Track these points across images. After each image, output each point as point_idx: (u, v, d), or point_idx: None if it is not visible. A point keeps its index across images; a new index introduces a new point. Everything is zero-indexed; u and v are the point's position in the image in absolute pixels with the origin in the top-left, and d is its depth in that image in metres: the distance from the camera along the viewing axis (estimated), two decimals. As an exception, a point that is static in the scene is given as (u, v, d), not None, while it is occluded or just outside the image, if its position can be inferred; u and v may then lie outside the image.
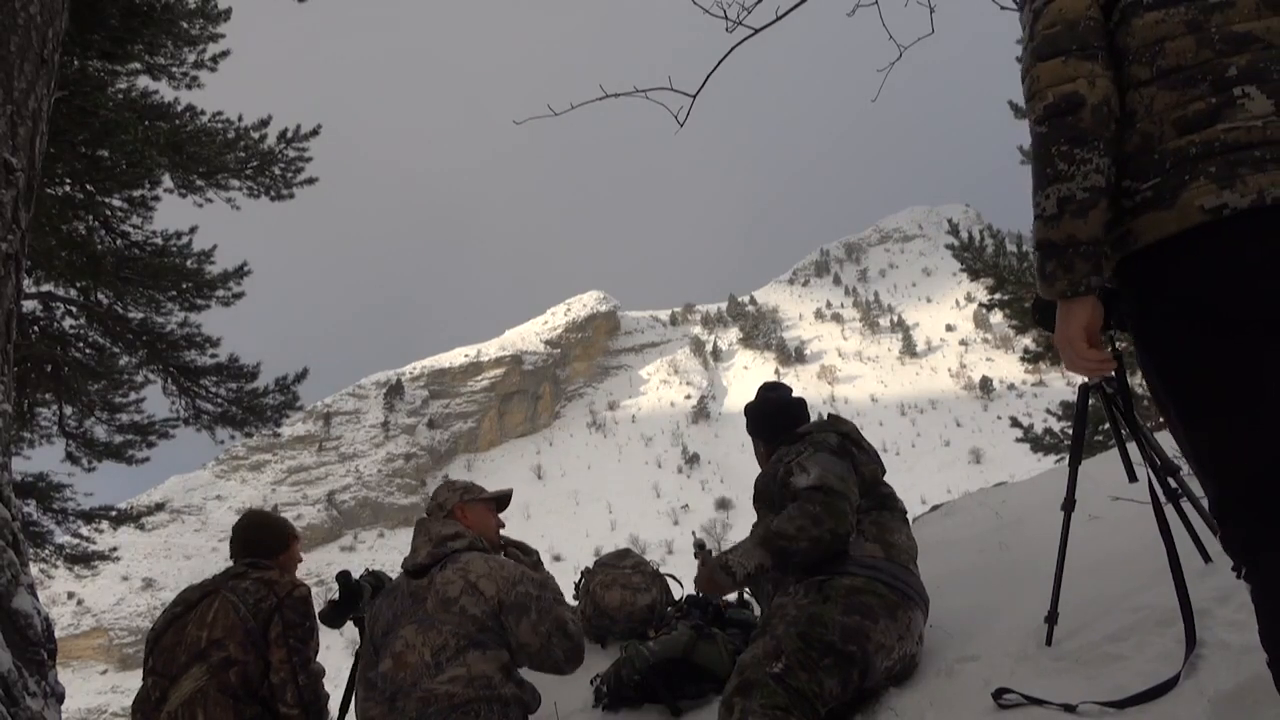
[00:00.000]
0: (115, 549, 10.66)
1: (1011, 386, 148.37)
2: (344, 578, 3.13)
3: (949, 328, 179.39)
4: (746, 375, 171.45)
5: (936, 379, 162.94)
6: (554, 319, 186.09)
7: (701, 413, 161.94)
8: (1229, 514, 1.36)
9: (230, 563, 3.00)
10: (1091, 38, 1.37)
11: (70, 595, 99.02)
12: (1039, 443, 11.59)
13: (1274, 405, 1.28)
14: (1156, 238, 1.31)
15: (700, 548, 4.21)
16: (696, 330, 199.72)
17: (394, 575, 2.92)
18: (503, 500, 2.92)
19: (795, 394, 3.12)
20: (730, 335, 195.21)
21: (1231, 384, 1.30)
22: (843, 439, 2.73)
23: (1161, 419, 1.42)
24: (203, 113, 8.25)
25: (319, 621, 3.10)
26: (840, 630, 2.26)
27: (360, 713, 2.62)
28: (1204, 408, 1.34)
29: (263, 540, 3.01)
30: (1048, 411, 12.63)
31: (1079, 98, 1.34)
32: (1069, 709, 2.08)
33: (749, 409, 3.10)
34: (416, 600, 2.48)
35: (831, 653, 2.23)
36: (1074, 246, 1.36)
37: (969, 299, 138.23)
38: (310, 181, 9.06)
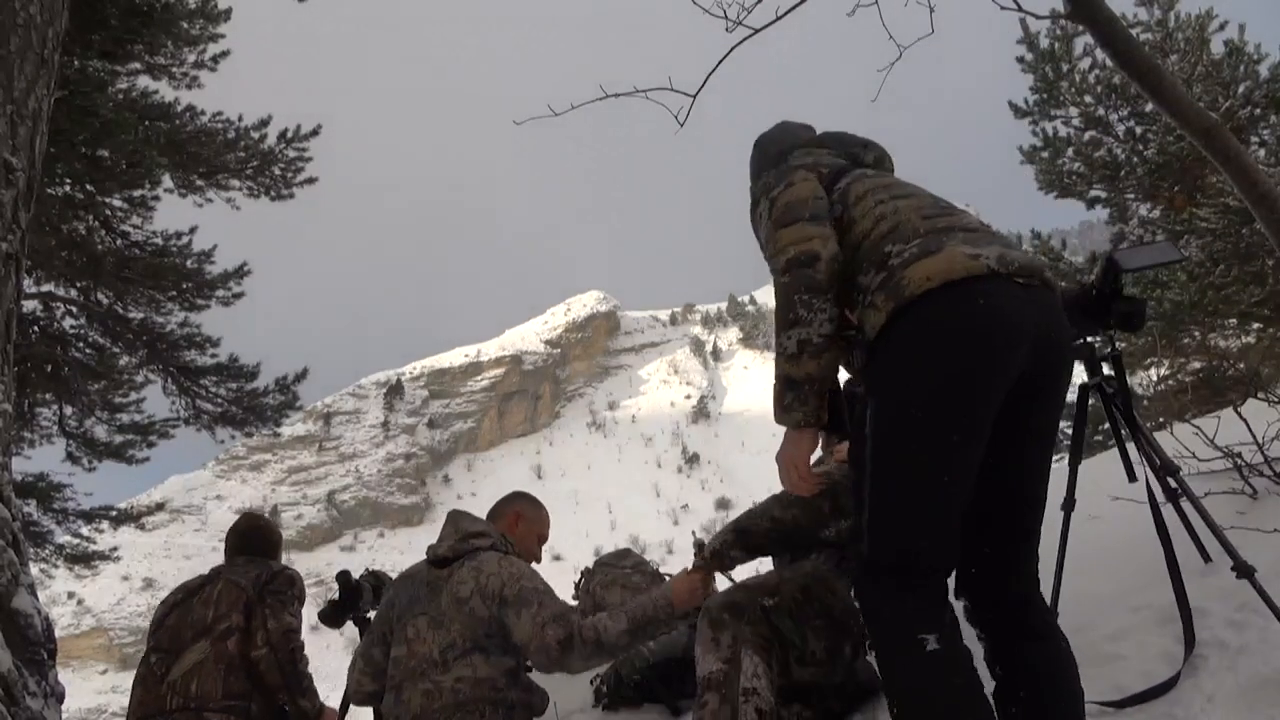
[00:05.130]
0: (115, 549, 10.65)
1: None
2: (344, 577, 3.13)
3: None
4: (746, 375, 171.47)
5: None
6: (554, 319, 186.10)
7: (701, 413, 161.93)
8: (875, 567, 1.52)
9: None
10: (821, 211, 1.68)
11: (70, 595, 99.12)
12: (1039, 443, 11.56)
13: (958, 473, 1.47)
14: (925, 286, 1.48)
15: (700, 548, 4.20)
16: (696, 330, 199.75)
17: (394, 575, 2.92)
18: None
19: None
20: (730, 335, 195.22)
21: (953, 444, 1.47)
22: None
23: (874, 479, 1.55)
24: (203, 113, 8.25)
25: (322, 621, 3.12)
26: (844, 605, 2.24)
27: (356, 685, 2.63)
28: (909, 463, 1.49)
29: (261, 543, 3.16)
30: (1047, 411, 12.61)
31: (815, 253, 1.60)
32: (1068, 708, 2.08)
33: None
34: (433, 592, 2.49)
35: (826, 616, 2.21)
36: (810, 384, 1.57)
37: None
38: (310, 181, 9.07)
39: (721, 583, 4.14)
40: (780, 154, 1.99)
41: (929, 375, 1.47)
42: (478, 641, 2.38)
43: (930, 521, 1.48)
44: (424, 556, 2.67)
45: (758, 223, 1.80)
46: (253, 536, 3.16)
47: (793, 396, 1.57)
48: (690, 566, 2.59)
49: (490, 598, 2.40)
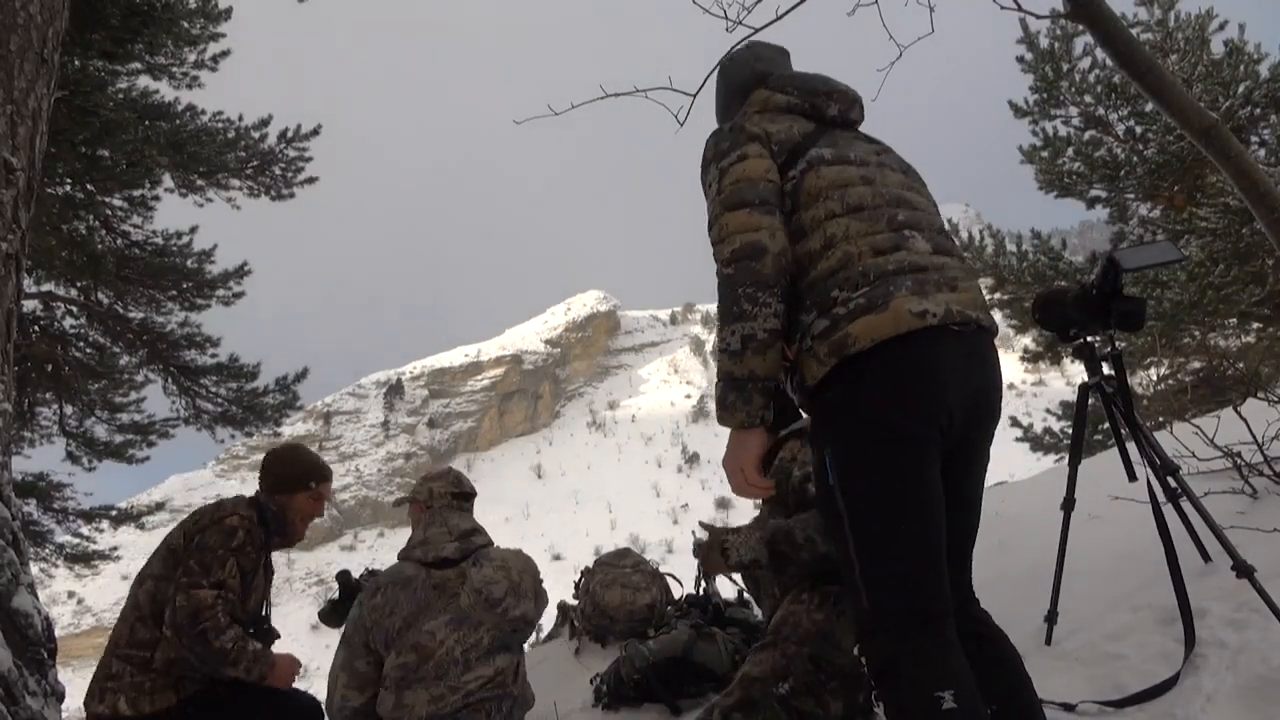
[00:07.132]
0: (115, 548, 10.66)
1: (1011, 386, 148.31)
2: (344, 577, 3.14)
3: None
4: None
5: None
6: (554, 319, 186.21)
7: (701, 412, 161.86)
8: (881, 622, 1.42)
9: None
10: (770, 196, 1.60)
11: (70, 595, 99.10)
12: (1039, 442, 11.58)
13: (932, 508, 1.43)
14: (873, 341, 1.45)
15: (700, 546, 4.19)
16: (696, 329, 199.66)
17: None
18: None
19: None
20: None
21: (917, 483, 1.43)
22: None
23: (851, 529, 1.47)
24: (203, 112, 8.26)
25: (322, 621, 3.12)
26: (854, 656, 2.25)
27: (342, 700, 2.52)
28: (886, 508, 1.43)
29: (269, 474, 2.81)
30: (1047, 411, 12.60)
31: (762, 245, 1.53)
32: (1068, 708, 2.09)
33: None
34: (443, 593, 2.46)
35: (840, 676, 2.21)
36: (754, 382, 1.50)
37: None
38: (310, 181, 9.07)
39: (722, 582, 4.14)
40: (744, 89, 1.90)
41: (878, 415, 1.45)
42: (504, 641, 2.45)
43: (923, 554, 1.43)
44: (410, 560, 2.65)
45: (706, 188, 1.72)
46: (265, 467, 2.83)
47: (736, 395, 1.51)
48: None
49: (525, 595, 2.56)
